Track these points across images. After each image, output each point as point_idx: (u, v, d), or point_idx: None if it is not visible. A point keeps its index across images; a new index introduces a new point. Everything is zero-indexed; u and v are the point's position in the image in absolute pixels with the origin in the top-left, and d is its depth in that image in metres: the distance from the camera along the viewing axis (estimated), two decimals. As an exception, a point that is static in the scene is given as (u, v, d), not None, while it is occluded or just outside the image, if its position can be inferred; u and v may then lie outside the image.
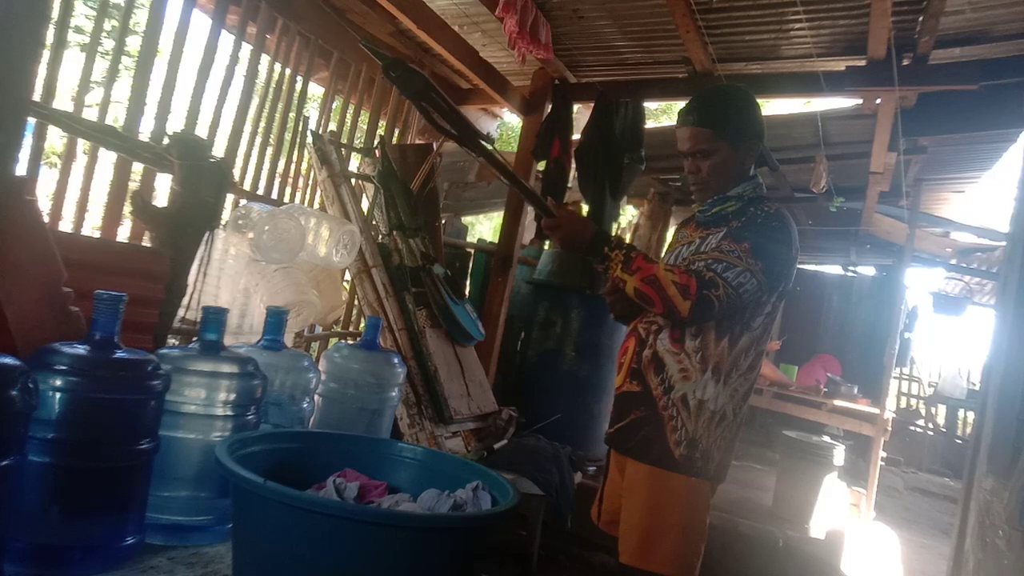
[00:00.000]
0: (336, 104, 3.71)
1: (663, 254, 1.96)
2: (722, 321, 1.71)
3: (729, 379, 1.73)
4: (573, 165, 4.24)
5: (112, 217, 2.51)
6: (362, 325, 3.40)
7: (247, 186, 3.08)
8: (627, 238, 5.94)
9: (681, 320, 1.67)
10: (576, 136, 4.26)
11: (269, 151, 3.24)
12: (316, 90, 3.99)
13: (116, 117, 2.77)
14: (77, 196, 2.47)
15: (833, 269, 9.10)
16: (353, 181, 3.27)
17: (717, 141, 1.79)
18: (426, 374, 2.98)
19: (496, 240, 4.42)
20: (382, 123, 3.94)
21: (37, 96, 2.04)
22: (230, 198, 2.85)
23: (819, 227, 7.12)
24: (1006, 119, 3.78)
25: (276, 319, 1.67)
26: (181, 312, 2.02)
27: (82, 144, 2.42)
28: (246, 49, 3.04)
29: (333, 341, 3.48)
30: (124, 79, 3.48)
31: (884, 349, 5.69)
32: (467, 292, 4.05)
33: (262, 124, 3.16)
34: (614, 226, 4.51)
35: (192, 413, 1.30)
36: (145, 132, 2.57)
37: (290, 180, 3.33)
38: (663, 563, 1.67)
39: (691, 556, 1.70)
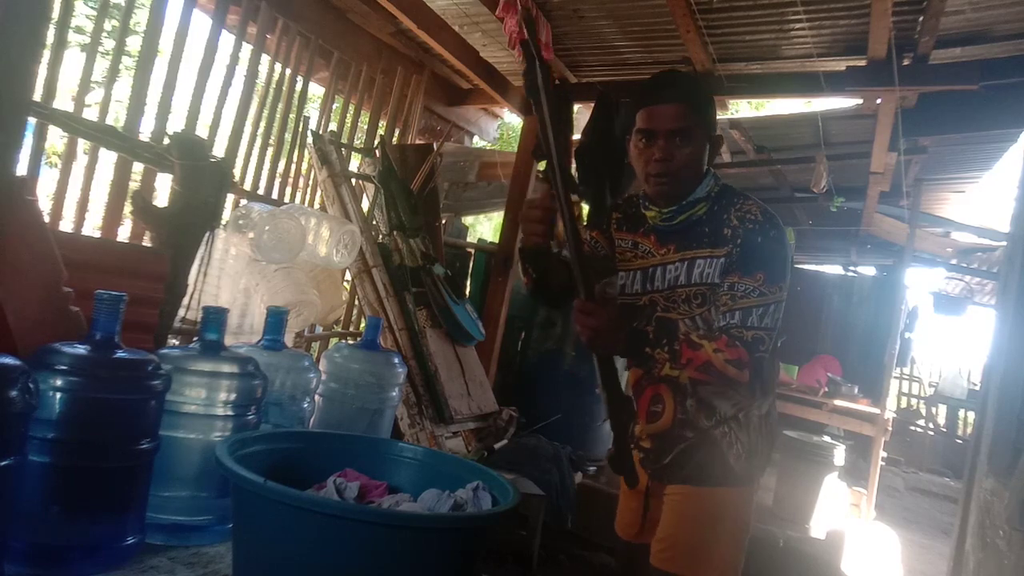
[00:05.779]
0: (336, 104, 3.71)
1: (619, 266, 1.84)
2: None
3: (775, 388, 1.73)
4: (573, 165, 4.23)
5: (112, 217, 2.51)
6: (362, 325, 3.40)
7: (247, 186, 3.07)
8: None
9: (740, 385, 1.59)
10: (576, 136, 4.25)
11: (269, 151, 3.24)
12: (316, 90, 3.99)
13: (116, 117, 2.77)
14: (77, 196, 2.47)
15: (833, 269, 9.10)
16: (353, 181, 3.27)
17: (700, 126, 1.65)
18: (426, 374, 2.99)
19: (496, 240, 4.42)
20: (382, 123, 3.94)
21: (37, 96, 2.04)
22: (230, 198, 2.85)
23: (819, 227, 7.13)
24: (1006, 119, 3.79)
25: (276, 319, 1.67)
26: (181, 312, 2.02)
27: (82, 144, 2.42)
28: (246, 49, 3.03)
29: (333, 341, 3.48)
30: (124, 79, 3.49)
31: (884, 349, 5.70)
32: (467, 292, 4.05)
33: (262, 124, 3.15)
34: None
35: (192, 413, 1.30)
36: (145, 132, 2.57)
37: (290, 180, 3.33)
38: None
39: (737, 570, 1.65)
